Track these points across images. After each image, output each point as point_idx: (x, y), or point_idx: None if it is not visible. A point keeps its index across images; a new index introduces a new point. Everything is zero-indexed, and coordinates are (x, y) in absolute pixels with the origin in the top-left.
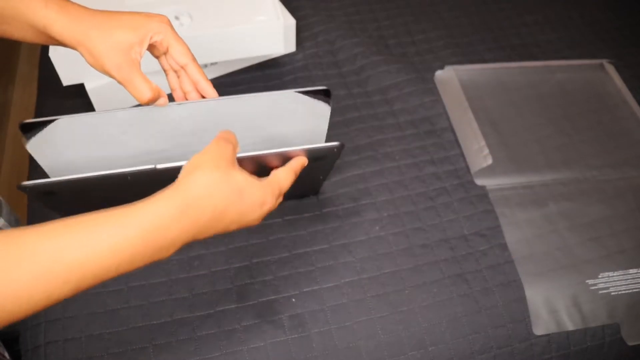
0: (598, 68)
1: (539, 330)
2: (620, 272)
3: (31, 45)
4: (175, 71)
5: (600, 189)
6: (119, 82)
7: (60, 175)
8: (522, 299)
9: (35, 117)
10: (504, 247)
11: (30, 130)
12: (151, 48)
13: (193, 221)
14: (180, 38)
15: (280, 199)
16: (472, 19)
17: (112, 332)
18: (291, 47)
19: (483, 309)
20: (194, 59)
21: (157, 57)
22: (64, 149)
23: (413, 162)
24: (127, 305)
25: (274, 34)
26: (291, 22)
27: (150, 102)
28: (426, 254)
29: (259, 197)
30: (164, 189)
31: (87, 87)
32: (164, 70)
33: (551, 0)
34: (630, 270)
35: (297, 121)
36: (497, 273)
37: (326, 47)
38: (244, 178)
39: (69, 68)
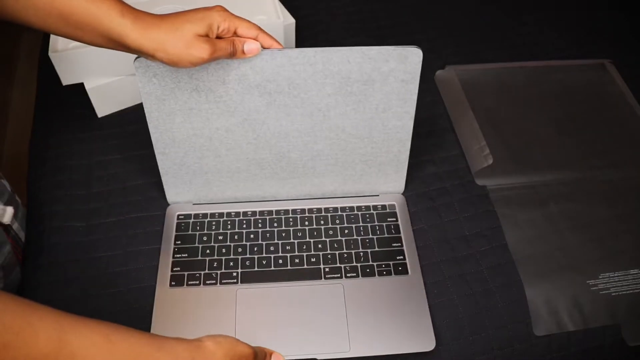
0: (599, 68)
1: (539, 331)
2: (621, 273)
3: (31, 45)
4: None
5: (601, 189)
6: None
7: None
8: (523, 300)
9: (35, 117)
10: (504, 247)
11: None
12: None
13: None
14: (240, 17)
15: None
16: (473, 18)
17: None
18: (291, 46)
19: (484, 309)
20: (261, 29)
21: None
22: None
23: (413, 162)
24: None
25: (274, 34)
26: (291, 21)
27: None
28: (427, 254)
29: None
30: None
31: (87, 87)
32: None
33: None
34: (631, 270)
35: (388, 84)
36: (497, 273)
37: (326, 47)
38: None
39: (68, 68)
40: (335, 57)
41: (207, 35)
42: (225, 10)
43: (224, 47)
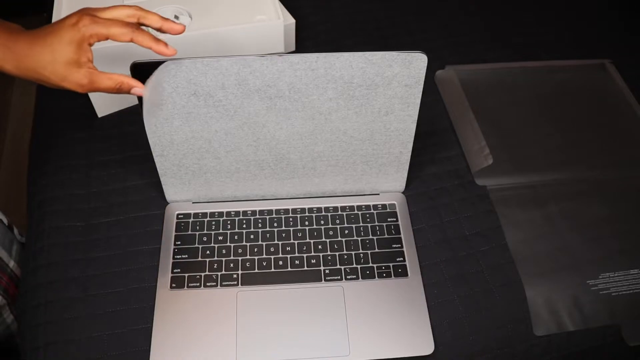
0: (599, 68)
1: (539, 331)
2: (621, 273)
3: None
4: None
5: (601, 189)
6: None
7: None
8: (523, 300)
9: (35, 117)
10: (504, 247)
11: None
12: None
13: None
14: (107, 19)
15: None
16: (473, 18)
17: (111, 334)
18: (291, 47)
19: (484, 309)
20: (138, 10)
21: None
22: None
23: (414, 162)
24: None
25: (274, 34)
26: (291, 21)
27: (117, 90)
28: (427, 254)
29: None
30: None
31: None
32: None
33: None
34: (631, 270)
35: (391, 88)
36: (497, 273)
37: (326, 47)
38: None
39: None
40: (338, 62)
41: (81, 52)
42: (87, 18)
43: (105, 82)
